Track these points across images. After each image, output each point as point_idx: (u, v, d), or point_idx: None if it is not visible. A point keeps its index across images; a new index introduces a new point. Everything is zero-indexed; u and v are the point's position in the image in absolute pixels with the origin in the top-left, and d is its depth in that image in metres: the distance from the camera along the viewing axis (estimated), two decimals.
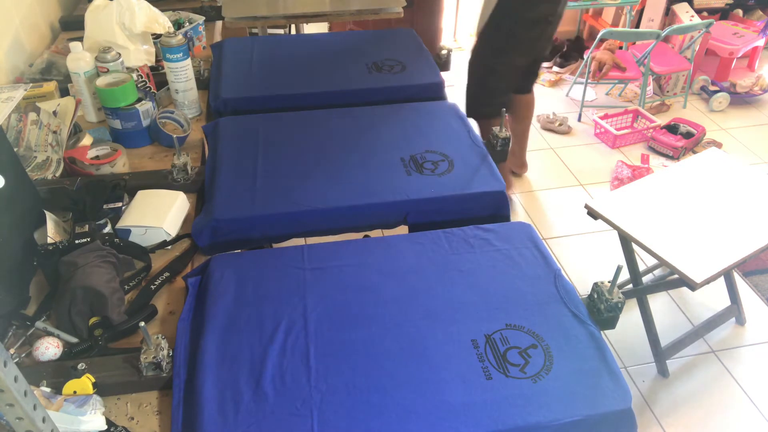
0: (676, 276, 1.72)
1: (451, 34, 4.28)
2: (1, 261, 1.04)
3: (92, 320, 1.03)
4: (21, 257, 1.10)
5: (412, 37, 1.96)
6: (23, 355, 0.99)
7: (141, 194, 1.29)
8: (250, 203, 1.27)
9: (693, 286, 1.66)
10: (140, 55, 1.73)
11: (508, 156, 1.52)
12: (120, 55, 1.59)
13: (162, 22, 1.72)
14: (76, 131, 1.52)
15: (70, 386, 0.90)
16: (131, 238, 1.21)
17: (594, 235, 2.60)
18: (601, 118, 3.25)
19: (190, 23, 1.97)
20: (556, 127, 3.33)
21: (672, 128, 3.17)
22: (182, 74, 1.59)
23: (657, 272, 2.36)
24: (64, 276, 1.05)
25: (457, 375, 0.94)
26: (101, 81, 1.49)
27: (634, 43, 3.70)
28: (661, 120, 3.27)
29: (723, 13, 3.95)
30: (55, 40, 2.02)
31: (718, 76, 3.73)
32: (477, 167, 1.38)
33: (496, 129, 1.50)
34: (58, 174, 1.38)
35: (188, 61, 1.59)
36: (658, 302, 2.27)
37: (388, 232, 1.33)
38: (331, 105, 1.63)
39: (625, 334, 2.14)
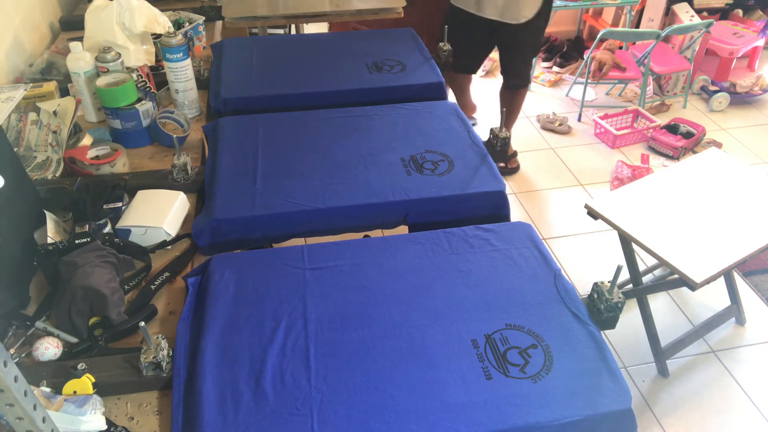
0: (676, 276, 1.72)
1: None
2: (1, 261, 1.04)
3: (92, 320, 1.04)
4: (21, 257, 1.10)
5: (412, 37, 1.96)
6: (23, 355, 0.99)
7: (141, 194, 1.29)
8: (250, 203, 1.27)
9: (693, 286, 1.66)
10: (140, 55, 1.73)
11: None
12: (120, 55, 1.59)
13: (162, 22, 1.72)
14: (76, 131, 1.52)
15: (70, 386, 0.90)
16: (131, 238, 1.21)
17: (594, 235, 2.60)
18: (601, 118, 3.25)
19: (190, 23, 1.97)
20: (556, 127, 3.33)
21: (672, 128, 3.17)
22: (182, 74, 1.59)
23: (657, 272, 2.36)
24: (64, 276, 1.05)
25: (457, 375, 0.94)
26: (101, 81, 1.49)
27: (634, 43, 3.70)
28: (661, 120, 3.27)
29: (723, 13, 3.95)
30: (55, 40, 2.02)
31: (718, 76, 3.73)
32: (477, 167, 1.38)
33: (495, 129, 1.50)
34: (58, 174, 1.38)
35: (188, 61, 1.59)
36: (658, 302, 2.27)
37: (388, 232, 1.33)
38: (332, 105, 1.63)
39: (625, 334, 2.14)
